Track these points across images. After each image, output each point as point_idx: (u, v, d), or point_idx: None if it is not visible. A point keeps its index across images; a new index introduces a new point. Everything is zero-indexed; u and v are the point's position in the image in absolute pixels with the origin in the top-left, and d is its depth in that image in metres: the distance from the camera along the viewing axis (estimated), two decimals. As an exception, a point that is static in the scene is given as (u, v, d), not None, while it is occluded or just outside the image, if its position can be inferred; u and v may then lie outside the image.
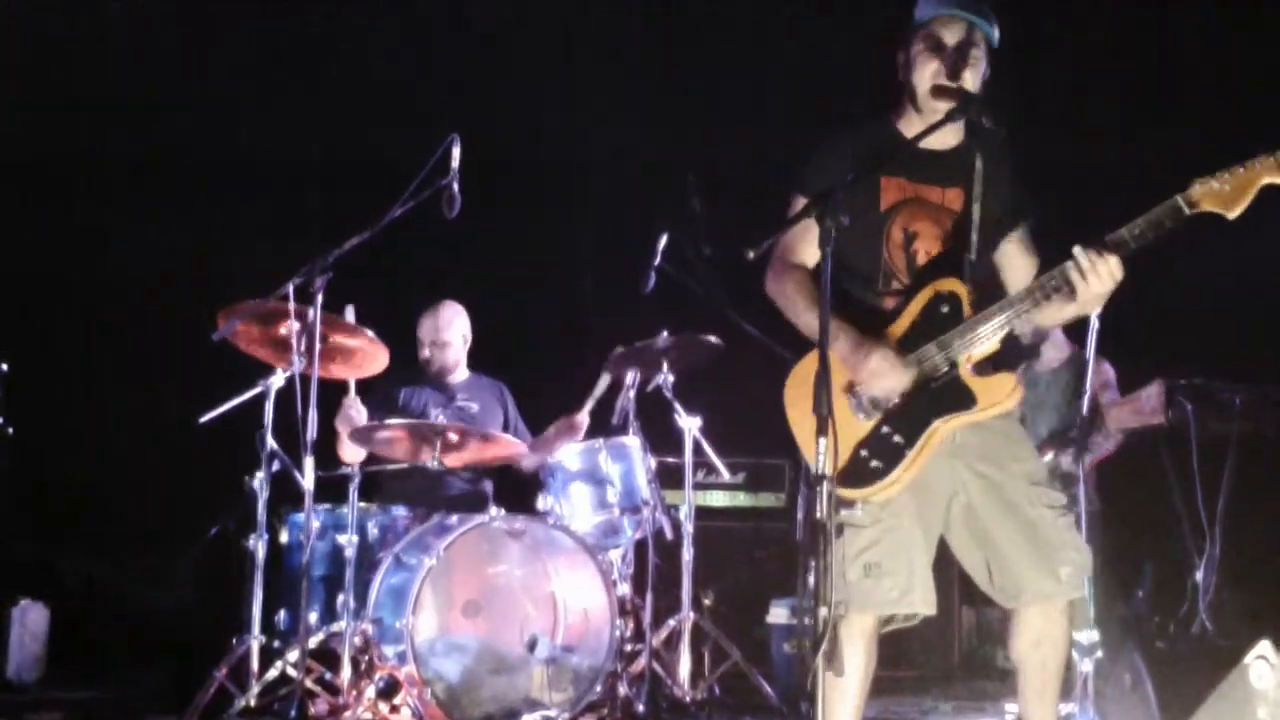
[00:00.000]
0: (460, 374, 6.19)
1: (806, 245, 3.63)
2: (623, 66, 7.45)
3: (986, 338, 3.53)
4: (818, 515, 3.09)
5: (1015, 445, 3.69)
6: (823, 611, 3.06)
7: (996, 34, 3.65)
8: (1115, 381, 6.32)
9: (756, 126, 7.27)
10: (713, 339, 5.62)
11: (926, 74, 3.60)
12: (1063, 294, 3.46)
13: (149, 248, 6.85)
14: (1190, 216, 3.40)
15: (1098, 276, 3.38)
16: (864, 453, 3.52)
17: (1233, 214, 3.40)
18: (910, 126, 3.70)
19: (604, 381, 5.92)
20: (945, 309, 3.58)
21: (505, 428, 6.16)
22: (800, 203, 3.63)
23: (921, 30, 3.63)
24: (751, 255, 3.37)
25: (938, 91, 3.58)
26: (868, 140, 3.72)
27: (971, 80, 3.59)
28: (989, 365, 3.60)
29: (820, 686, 3.05)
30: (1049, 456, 6.42)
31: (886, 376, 3.49)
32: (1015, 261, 3.78)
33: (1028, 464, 3.68)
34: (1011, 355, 4.00)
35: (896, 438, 3.53)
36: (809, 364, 3.59)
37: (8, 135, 6.71)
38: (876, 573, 3.45)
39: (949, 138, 3.68)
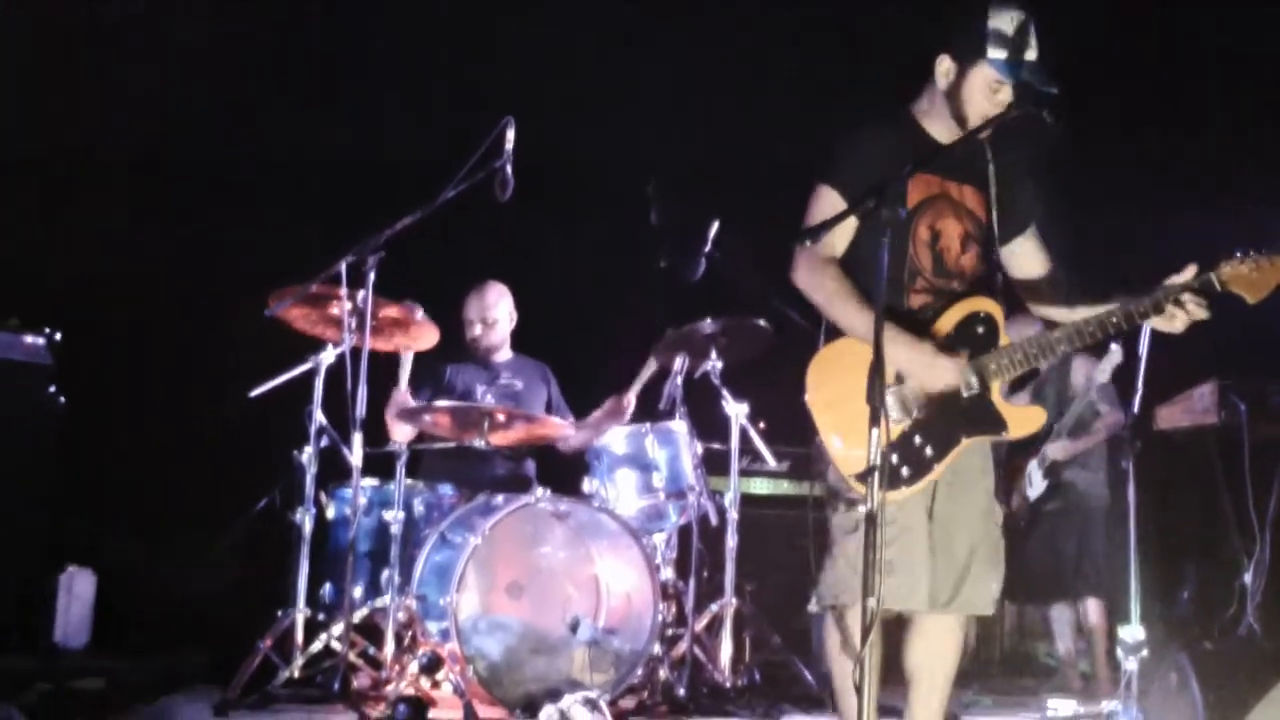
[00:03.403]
0: (504, 353, 6.24)
1: (840, 237, 3.61)
2: (670, 54, 7.44)
3: (1022, 366, 3.57)
4: (865, 506, 3.10)
5: (985, 462, 3.76)
6: (870, 603, 3.07)
7: None
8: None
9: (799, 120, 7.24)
10: (763, 323, 5.61)
11: (982, 107, 3.61)
12: (1118, 330, 3.51)
13: (204, 224, 6.88)
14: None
15: (1184, 321, 3.46)
16: (894, 457, 3.52)
17: (1254, 300, 3.46)
18: (935, 124, 3.72)
19: (651, 365, 5.93)
20: (981, 330, 3.62)
21: (548, 408, 6.19)
22: (828, 194, 3.62)
23: (988, 71, 3.60)
24: (809, 244, 3.38)
25: (989, 121, 3.59)
26: (896, 135, 3.71)
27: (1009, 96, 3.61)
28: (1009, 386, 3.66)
29: (867, 676, 3.05)
30: (1042, 450, 6.43)
31: (947, 374, 3.51)
32: (1030, 258, 3.83)
33: (988, 481, 3.75)
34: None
35: (928, 450, 3.57)
36: (838, 350, 3.61)
37: (70, 125, 6.79)
38: (888, 569, 3.44)
39: (957, 132, 3.68)
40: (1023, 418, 3.66)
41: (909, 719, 3.77)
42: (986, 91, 3.60)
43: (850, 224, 3.50)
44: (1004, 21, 3.56)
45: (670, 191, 6.06)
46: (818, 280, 3.62)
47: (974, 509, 3.68)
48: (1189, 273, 3.48)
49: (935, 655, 3.73)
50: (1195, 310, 3.45)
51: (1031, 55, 3.55)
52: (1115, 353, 5.97)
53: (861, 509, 3.21)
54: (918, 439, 3.57)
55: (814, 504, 3.78)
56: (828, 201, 3.61)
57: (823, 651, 3.87)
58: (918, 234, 3.65)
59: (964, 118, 3.65)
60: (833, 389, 3.54)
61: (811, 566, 3.73)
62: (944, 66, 3.67)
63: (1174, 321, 3.47)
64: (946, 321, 3.62)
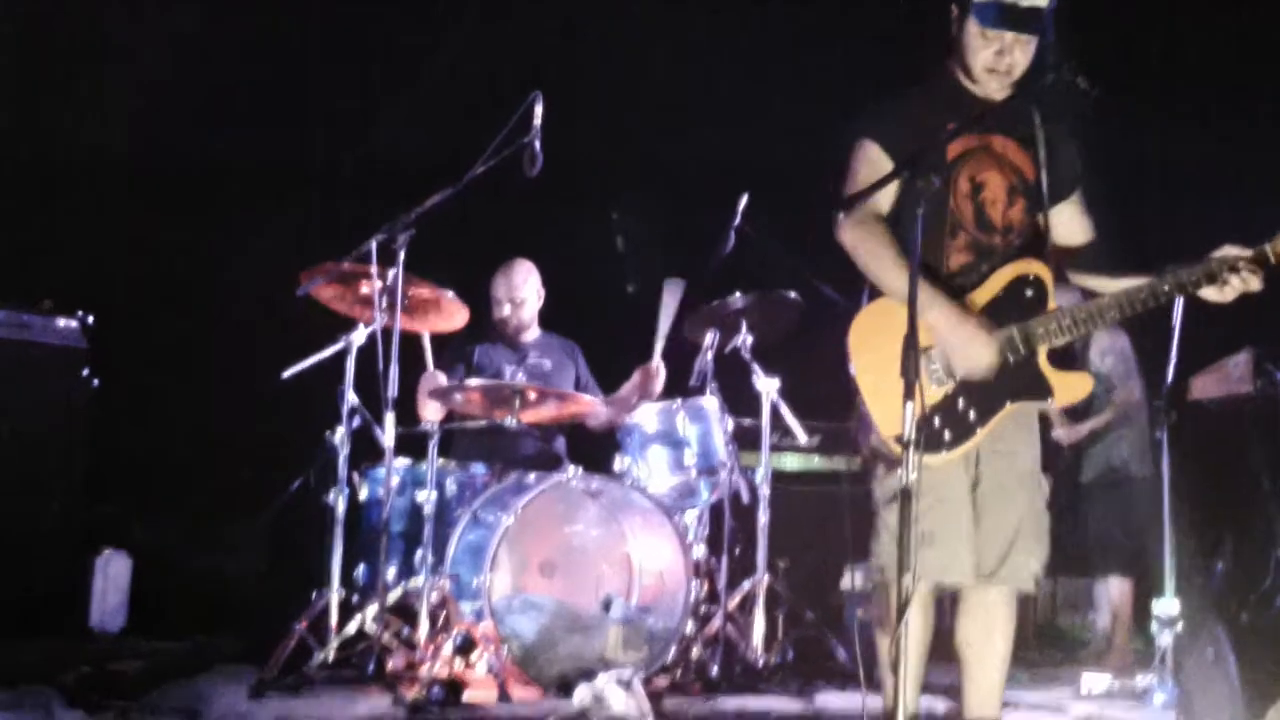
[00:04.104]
0: (533, 332, 6.23)
1: (884, 195, 3.57)
2: (696, 33, 7.43)
3: (1071, 332, 3.52)
4: (901, 481, 3.08)
5: (1029, 433, 3.72)
6: (906, 579, 3.05)
7: (1053, 5, 3.55)
8: (1130, 352, 6.28)
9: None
10: (793, 294, 5.58)
11: (979, 60, 3.58)
12: (1169, 298, 3.48)
13: (236, 206, 6.90)
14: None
15: (1236, 290, 3.44)
16: (936, 420, 3.51)
17: None
18: (971, 79, 3.66)
19: (665, 318, 5.89)
20: (1030, 293, 3.58)
21: (577, 385, 6.18)
22: (871, 148, 3.60)
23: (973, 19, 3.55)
24: (843, 215, 3.35)
25: (991, 73, 3.58)
26: (935, 92, 3.68)
27: (1023, 60, 3.56)
28: (1060, 355, 3.59)
29: (904, 652, 3.04)
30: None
31: (980, 360, 3.48)
32: (1073, 225, 3.78)
33: (1034, 452, 3.72)
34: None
35: (972, 414, 3.54)
36: (878, 311, 3.58)
37: (96, 111, 6.81)
38: (929, 540, 3.42)
39: (998, 90, 3.64)
40: (1070, 384, 3.61)
41: (964, 700, 3.73)
42: (980, 40, 3.55)
43: (892, 183, 3.47)
44: None
45: (634, 217, 6.07)
46: (861, 240, 3.59)
47: (1020, 480, 3.65)
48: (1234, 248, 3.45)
49: (985, 631, 3.69)
50: (1250, 280, 3.42)
51: None
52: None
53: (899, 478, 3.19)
54: (961, 402, 3.53)
55: (850, 479, 3.76)
56: (871, 156, 3.59)
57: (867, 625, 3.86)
58: (958, 186, 3.61)
59: (968, 68, 3.61)
60: (874, 350, 3.51)
61: (848, 544, 3.71)
62: (954, 15, 3.64)
63: (1225, 290, 3.43)
64: (995, 283, 3.58)
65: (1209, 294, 3.46)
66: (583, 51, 7.35)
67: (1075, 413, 6.33)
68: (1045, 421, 6.12)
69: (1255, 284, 3.42)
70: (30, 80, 6.76)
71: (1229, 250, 3.43)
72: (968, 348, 3.47)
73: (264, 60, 7.05)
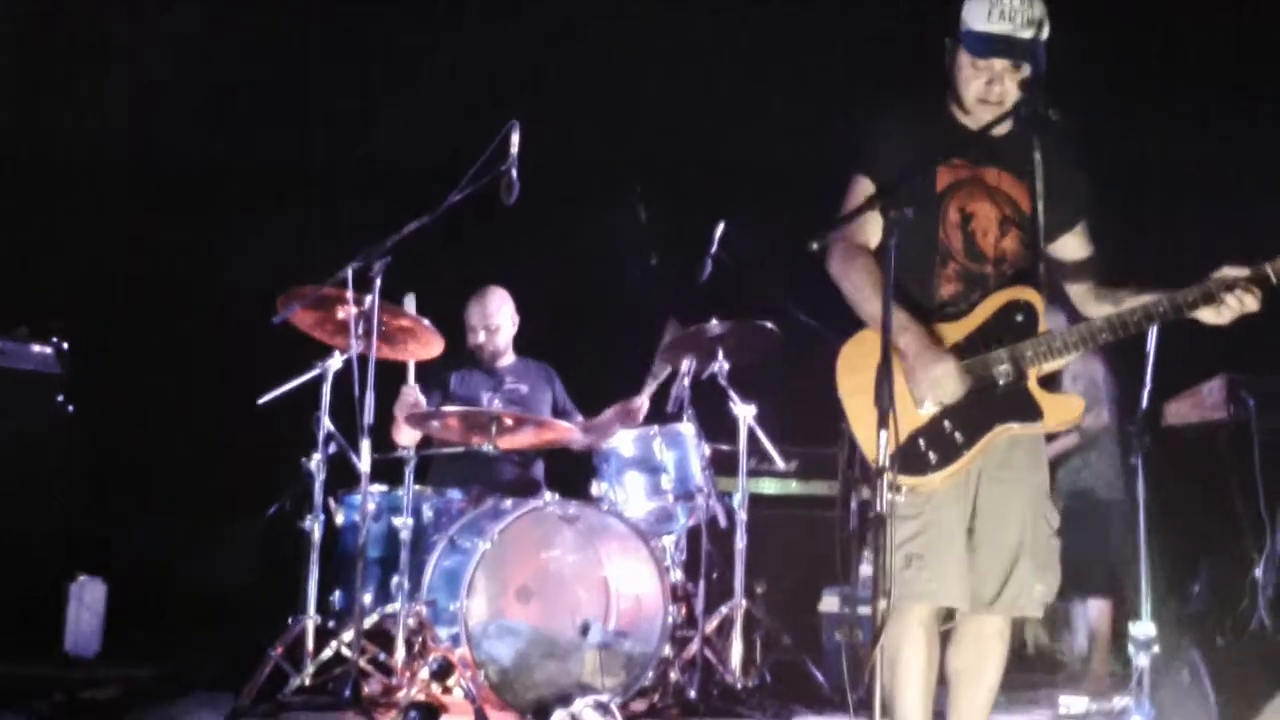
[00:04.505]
0: (508, 358, 6.23)
1: (871, 226, 3.58)
2: (673, 49, 7.44)
3: (1062, 355, 3.52)
4: (875, 508, 3.09)
5: (1036, 458, 3.69)
6: (881, 603, 3.06)
7: (1043, 36, 3.58)
8: (1101, 378, 6.29)
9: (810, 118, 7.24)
10: (770, 325, 5.60)
11: (970, 90, 3.59)
12: (1164, 319, 3.46)
13: (209, 231, 6.89)
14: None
15: (1233, 312, 3.40)
16: (921, 442, 3.51)
17: None
18: (962, 110, 3.69)
19: (662, 367, 5.92)
20: (1020, 318, 3.57)
21: (554, 410, 6.18)
22: (864, 184, 3.63)
23: (963, 50, 3.58)
24: (815, 246, 3.36)
25: (982, 103, 3.58)
26: (928, 124, 3.70)
27: (1014, 90, 3.55)
28: (1050, 379, 3.60)
29: (879, 678, 3.04)
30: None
31: (945, 388, 3.48)
32: (1074, 256, 3.76)
33: (1041, 477, 3.70)
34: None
35: (958, 436, 3.52)
36: (866, 341, 3.58)
37: (69, 133, 6.80)
38: (918, 564, 3.43)
39: (1002, 122, 3.66)
40: (1061, 407, 3.58)
41: None
42: (971, 71, 3.56)
43: (877, 214, 3.44)
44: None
45: (649, 195, 6.07)
46: (845, 270, 3.61)
47: (1023, 505, 3.62)
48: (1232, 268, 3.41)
49: (976, 660, 3.68)
50: (1248, 301, 3.36)
51: (997, 28, 3.48)
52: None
53: (891, 496, 3.19)
54: (947, 424, 3.52)
55: (841, 501, 3.76)
56: (861, 190, 3.62)
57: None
58: (947, 216, 3.63)
59: (961, 99, 3.63)
60: (859, 377, 3.51)
61: (837, 563, 3.71)
62: (947, 48, 3.65)
63: (1222, 311, 3.38)
64: (986, 308, 3.59)
65: (1206, 315, 3.41)
66: (583, 51, 7.36)
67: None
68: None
69: (1253, 304, 3.37)
70: (30, 80, 6.75)
71: (1227, 271, 3.39)
72: (930, 373, 3.47)
73: (264, 60, 7.05)
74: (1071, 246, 3.76)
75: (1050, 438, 6.24)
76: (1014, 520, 3.60)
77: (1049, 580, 3.64)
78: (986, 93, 3.56)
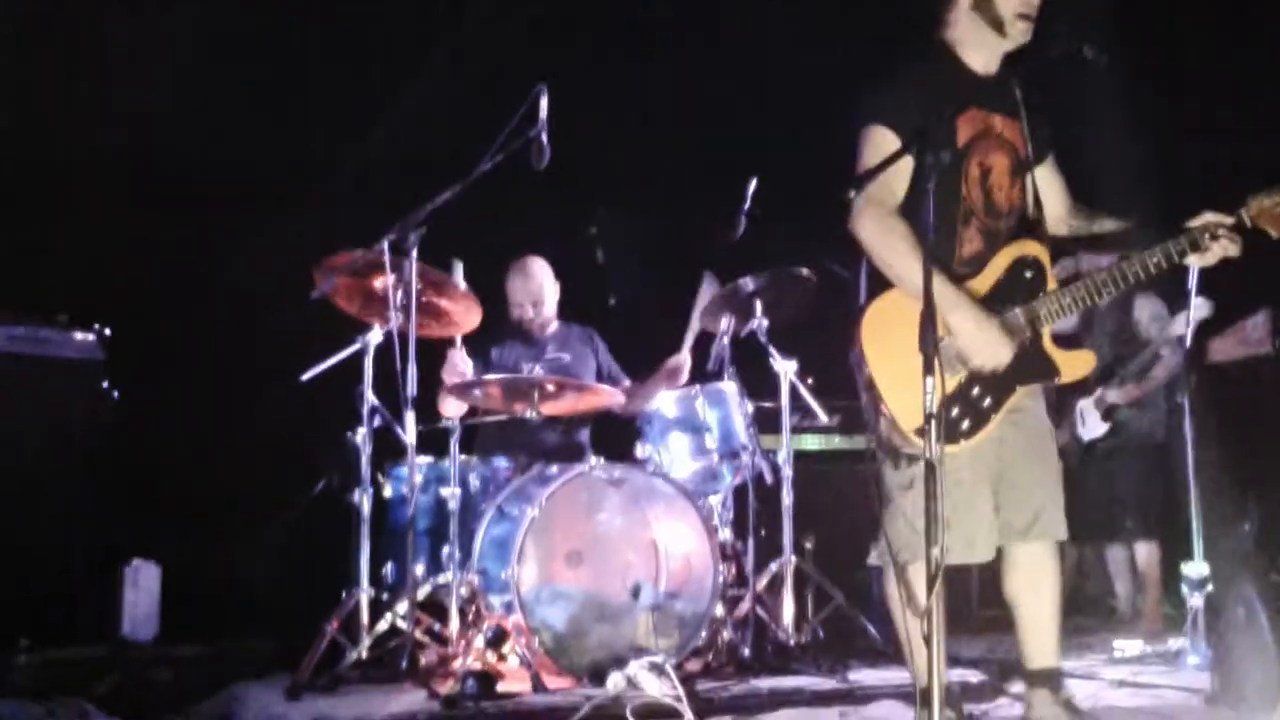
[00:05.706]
0: (552, 326, 6.21)
1: (898, 180, 3.55)
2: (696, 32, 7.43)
3: (1071, 311, 3.57)
4: (923, 457, 3.08)
5: (1036, 391, 3.78)
6: (934, 551, 3.06)
7: None
8: (1166, 313, 6.24)
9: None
10: (804, 271, 5.58)
11: (1009, 6, 3.60)
12: (1159, 270, 3.57)
13: (249, 214, 6.90)
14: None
15: (1217, 256, 3.57)
16: (954, 410, 3.53)
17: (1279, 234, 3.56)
18: (970, 52, 3.68)
19: (695, 323, 5.90)
20: (1029, 274, 3.63)
21: (599, 375, 6.17)
22: (883, 134, 3.59)
23: None
24: (853, 194, 3.35)
25: (1024, 16, 3.59)
26: (938, 69, 3.68)
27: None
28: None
29: (937, 629, 3.05)
30: (1098, 392, 6.36)
31: (1002, 359, 3.52)
32: (1051, 188, 3.85)
33: (1041, 406, 3.81)
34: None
35: (986, 401, 3.59)
36: (889, 304, 3.58)
37: (109, 123, 6.83)
38: (945, 525, 3.44)
39: (992, 64, 3.69)
40: (1073, 362, 3.68)
41: (1022, 652, 3.81)
42: None
43: (906, 165, 3.43)
44: None
45: (612, 229, 6.07)
46: (877, 234, 3.57)
47: (1038, 438, 3.75)
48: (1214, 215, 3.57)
49: (1033, 585, 3.77)
50: (1229, 246, 3.54)
51: None
52: (1201, 305, 5.65)
53: (915, 466, 3.21)
54: (975, 390, 3.56)
55: (870, 457, 3.78)
56: (881, 141, 3.57)
57: (885, 604, 3.87)
58: (969, 172, 3.63)
59: (999, 20, 3.61)
60: (889, 343, 3.52)
61: (878, 518, 3.73)
62: None
63: (1207, 256, 3.55)
64: (995, 268, 3.60)
65: (1192, 260, 3.57)
66: (582, 51, 7.33)
67: (1138, 373, 6.32)
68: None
69: (1234, 249, 3.55)
70: (30, 80, 6.76)
71: (1209, 216, 3.55)
72: (993, 349, 3.51)
73: (264, 60, 7.04)
74: (1045, 177, 3.83)
75: (1142, 374, 6.28)
76: (1033, 452, 3.73)
77: (1062, 506, 3.78)
78: (1026, 6, 3.56)
